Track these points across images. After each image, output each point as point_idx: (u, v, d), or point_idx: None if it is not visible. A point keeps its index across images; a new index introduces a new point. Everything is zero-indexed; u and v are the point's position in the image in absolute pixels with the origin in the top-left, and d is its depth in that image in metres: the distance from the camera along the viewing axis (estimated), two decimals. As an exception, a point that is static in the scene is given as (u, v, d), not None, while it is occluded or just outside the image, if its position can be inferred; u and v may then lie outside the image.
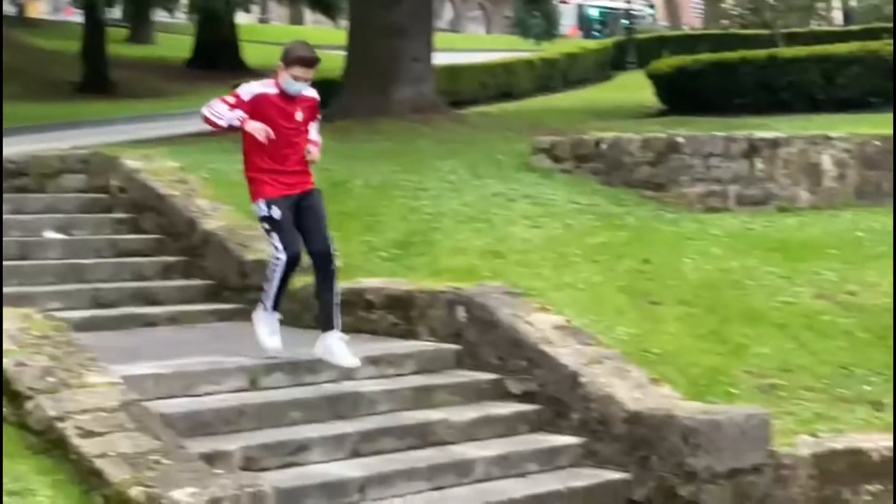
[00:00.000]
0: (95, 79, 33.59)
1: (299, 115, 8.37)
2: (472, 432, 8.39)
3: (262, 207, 8.36)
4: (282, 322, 8.58)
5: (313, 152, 8.47)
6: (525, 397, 8.83)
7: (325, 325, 8.40)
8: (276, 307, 8.49)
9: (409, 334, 9.38)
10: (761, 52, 22.26)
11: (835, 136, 13.79)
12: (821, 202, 13.43)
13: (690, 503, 8.05)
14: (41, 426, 6.84)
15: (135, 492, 6.23)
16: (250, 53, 38.91)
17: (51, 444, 6.78)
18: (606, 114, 23.05)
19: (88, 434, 6.72)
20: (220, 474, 6.57)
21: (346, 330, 8.52)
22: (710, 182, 12.95)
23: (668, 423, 8.19)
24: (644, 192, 12.85)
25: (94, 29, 34.43)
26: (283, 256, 8.28)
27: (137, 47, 42.25)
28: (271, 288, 8.42)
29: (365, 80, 19.39)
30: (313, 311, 9.97)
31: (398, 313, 9.54)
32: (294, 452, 7.63)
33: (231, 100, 8.24)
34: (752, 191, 13.24)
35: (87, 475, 6.52)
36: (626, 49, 40.19)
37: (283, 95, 8.29)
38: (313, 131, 8.55)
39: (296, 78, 8.23)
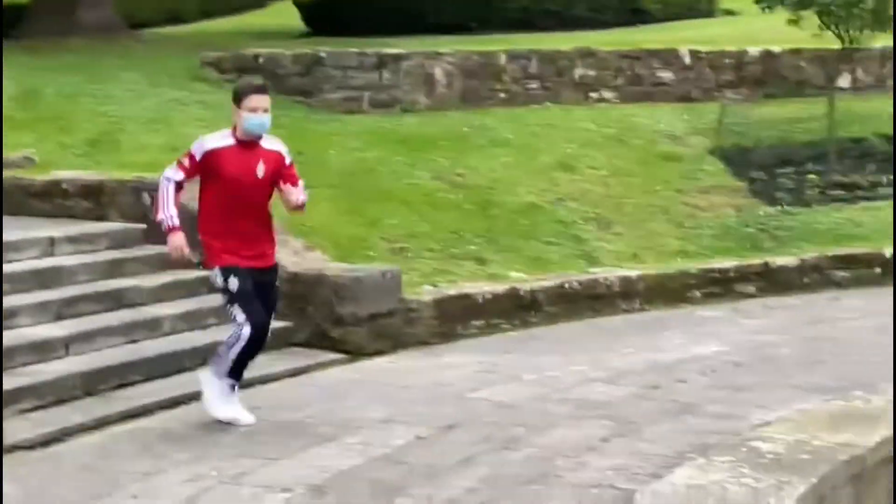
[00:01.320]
0: None
1: (261, 170, 6.21)
2: (160, 295, 8.26)
3: (217, 278, 6.24)
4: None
5: (295, 192, 6.24)
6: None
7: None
8: (231, 376, 6.30)
9: (102, 217, 9.10)
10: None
11: (444, 52, 14.13)
12: (435, 105, 13.76)
13: (340, 342, 8.24)
14: None
15: None
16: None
17: None
18: (262, 35, 22.60)
19: None
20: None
21: (45, 214, 8.18)
22: (348, 89, 13.06)
23: (320, 280, 8.34)
24: (296, 98, 12.82)
25: None
26: (246, 329, 6.11)
27: None
28: (223, 363, 6.24)
29: (50, 2, 18.29)
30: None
31: (91, 200, 9.22)
32: (5, 319, 7.29)
33: (184, 160, 6.30)
34: (381, 96, 13.44)
35: None
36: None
37: (242, 146, 6.20)
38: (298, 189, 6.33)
39: (253, 110, 6.16)
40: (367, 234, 9.54)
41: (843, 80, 14.46)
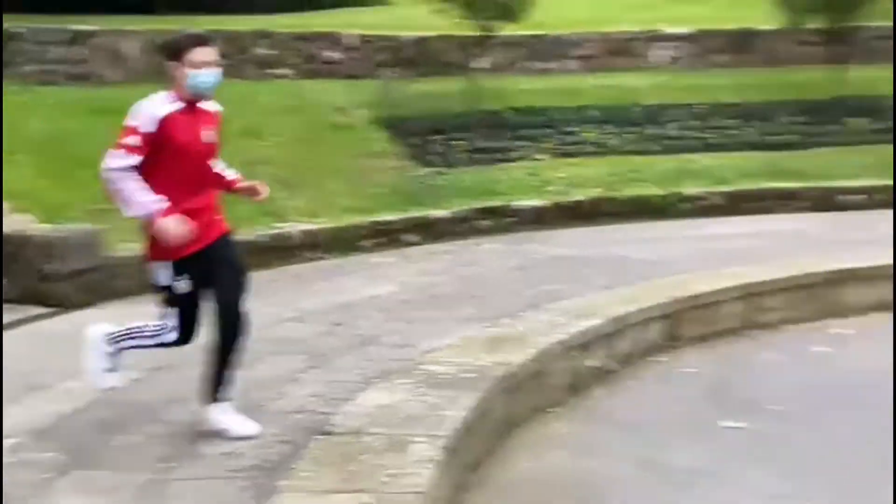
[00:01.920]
0: None
1: (205, 135, 4.75)
2: None
3: (161, 275, 4.77)
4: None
5: (263, 192, 5.02)
6: None
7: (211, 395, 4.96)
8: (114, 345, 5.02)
9: None
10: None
11: (133, 30, 13.49)
12: (127, 79, 13.16)
13: (48, 296, 7.74)
14: None
15: None
16: None
17: None
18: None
19: None
20: None
21: None
22: (45, 63, 12.31)
23: (26, 241, 7.81)
24: (-10, 72, 11.89)
25: None
26: (172, 335, 4.89)
27: None
28: (137, 344, 4.97)
29: None
30: None
31: None
32: None
33: (132, 140, 4.53)
34: (77, 70, 12.72)
35: None
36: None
37: (188, 109, 4.68)
38: (222, 166, 4.99)
39: (200, 66, 4.62)
40: (72, 198, 8.96)
41: (482, 63, 15.10)
